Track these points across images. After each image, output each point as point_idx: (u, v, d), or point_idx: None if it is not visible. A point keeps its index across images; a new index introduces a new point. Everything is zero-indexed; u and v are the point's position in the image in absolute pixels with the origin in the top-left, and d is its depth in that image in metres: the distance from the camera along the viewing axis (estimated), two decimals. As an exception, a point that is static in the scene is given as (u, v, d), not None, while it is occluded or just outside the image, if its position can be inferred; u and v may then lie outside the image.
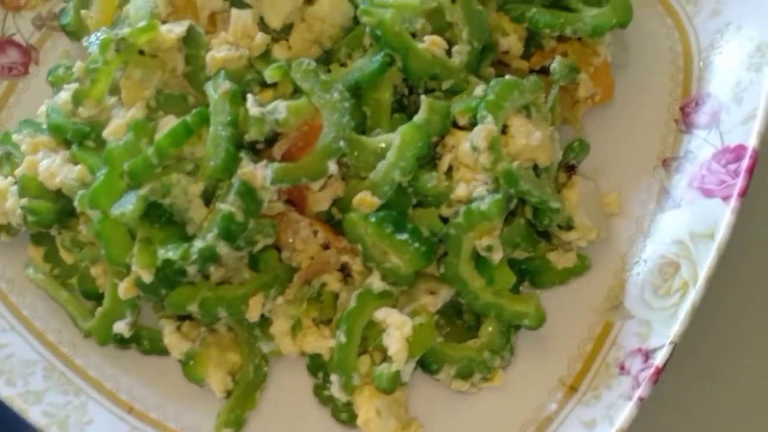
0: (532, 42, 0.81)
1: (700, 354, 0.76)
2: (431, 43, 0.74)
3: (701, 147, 0.75)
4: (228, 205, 0.66)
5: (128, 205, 0.67)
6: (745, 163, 0.69)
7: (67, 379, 0.72)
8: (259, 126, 0.68)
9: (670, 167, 0.77)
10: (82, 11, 0.87)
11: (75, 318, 0.76)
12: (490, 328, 0.71)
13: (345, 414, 0.71)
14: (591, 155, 0.79)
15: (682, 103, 0.80)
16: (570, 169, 0.78)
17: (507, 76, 0.73)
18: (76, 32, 0.87)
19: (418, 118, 0.71)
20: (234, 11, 0.76)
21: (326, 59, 0.77)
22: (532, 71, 0.80)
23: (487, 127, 0.69)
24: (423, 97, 0.73)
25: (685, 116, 0.79)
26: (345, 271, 0.75)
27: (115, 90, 0.77)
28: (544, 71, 0.79)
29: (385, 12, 0.72)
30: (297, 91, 0.73)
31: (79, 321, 0.75)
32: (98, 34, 0.81)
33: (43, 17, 0.91)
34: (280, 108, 0.69)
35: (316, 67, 0.71)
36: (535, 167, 0.73)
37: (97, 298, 0.76)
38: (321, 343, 0.72)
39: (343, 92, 0.70)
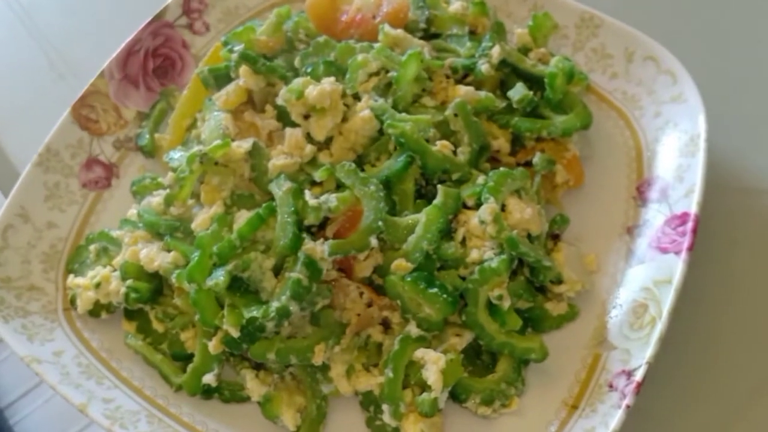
0: (517, 143, 0.89)
1: (670, 370, 0.81)
2: (442, 146, 0.84)
3: (655, 216, 0.85)
4: (297, 273, 0.75)
5: (218, 278, 0.76)
6: (690, 225, 0.79)
7: (165, 423, 0.79)
8: (316, 213, 0.78)
9: (633, 233, 0.86)
10: (156, 135, 0.98)
11: (167, 375, 0.82)
12: (505, 364, 0.79)
13: (394, 439, 0.76)
14: (570, 227, 0.87)
15: (637, 184, 0.88)
16: (555, 237, 0.86)
17: (501, 168, 0.83)
18: (151, 151, 0.98)
19: (437, 201, 0.80)
20: (287, 129, 0.86)
21: (359, 162, 0.85)
22: (518, 164, 0.88)
23: (490, 205, 0.79)
24: (439, 186, 0.81)
25: (640, 194, 0.88)
26: (385, 324, 0.81)
27: (192, 194, 0.87)
28: (528, 164, 0.87)
29: (405, 125, 0.82)
30: (339, 187, 0.82)
31: (171, 378, 0.82)
32: (175, 152, 0.91)
33: (121, 140, 0.99)
34: (331, 199, 0.79)
35: (355, 167, 0.81)
36: (529, 236, 0.81)
37: (184, 359, 0.82)
38: (371, 381, 0.78)
39: (377, 185, 0.80)
